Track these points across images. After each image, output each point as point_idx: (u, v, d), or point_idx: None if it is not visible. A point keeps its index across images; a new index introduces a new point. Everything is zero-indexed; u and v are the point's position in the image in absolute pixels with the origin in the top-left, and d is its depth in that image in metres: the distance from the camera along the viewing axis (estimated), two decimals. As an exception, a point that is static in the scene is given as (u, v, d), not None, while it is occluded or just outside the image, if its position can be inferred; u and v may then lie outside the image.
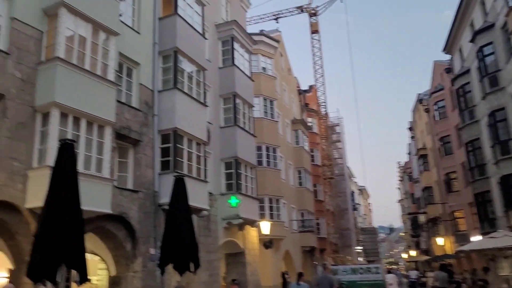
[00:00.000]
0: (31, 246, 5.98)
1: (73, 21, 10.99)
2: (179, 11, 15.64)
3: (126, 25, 13.70)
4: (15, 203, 9.54)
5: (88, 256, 7.43)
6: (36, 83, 10.35)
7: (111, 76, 11.85)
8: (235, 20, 20.62)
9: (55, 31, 10.64)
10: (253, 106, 21.83)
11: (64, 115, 10.34)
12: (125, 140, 13.12)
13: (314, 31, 46.55)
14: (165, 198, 13.17)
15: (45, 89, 10.26)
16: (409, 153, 58.59)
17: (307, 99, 40.46)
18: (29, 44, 10.39)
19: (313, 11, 46.53)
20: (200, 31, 16.88)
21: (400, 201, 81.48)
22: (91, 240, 11.95)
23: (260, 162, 23.33)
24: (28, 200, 9.67)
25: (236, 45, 20.58)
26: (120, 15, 13.01)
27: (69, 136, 10.05)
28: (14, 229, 9.71)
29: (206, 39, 17.69)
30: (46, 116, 10.19)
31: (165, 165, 14.17)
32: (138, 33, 14.33)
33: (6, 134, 9.56)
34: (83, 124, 10.80)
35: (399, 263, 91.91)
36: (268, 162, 24.42)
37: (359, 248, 57.69)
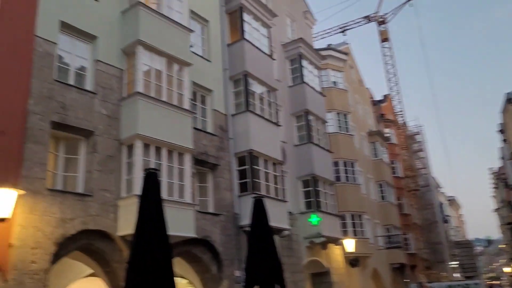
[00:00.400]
0: (125, 272, 6.28)
1: (149, 57, 11.70)
2: (246, 36, 16.03)
3: (197, 54, 14.31)
4: (108, 231, 10.16)
5: (177, 280, 7.66)
6: (120, 118, 11.10)
7: (186, 105, 12.37)
8: (301, 38, 20.68)
9: (133, 68, 11.41)
10: (327, 122, 21.53)
11: (146, 146, 10.93)
12: (203, 165, 13.53)
13: (384, 39, 45.24)
14: (245, 220, 13.29)
15: (128, 122, 10.96)
16: (502, 158, 53.95)
17: (383, 109, 39.12)
18: (112, 83, 11.22)
19: (381, 19, 45.32)
20: (268, 53, 17.13)
21: (496, 210, 74.90)
22: (179, 264, 12.32)
23: (338, 178, 22.78)
24: (120, 229, 10.25)
25: (304, 62, 20.58)
26: (191, 46, 13.61)
27: (152, 165, 10.57)
28: (109, 257, 10.31)
29: (274, 59, 17.90)
30: (130, 148, 10.85)
31: (243, 187, 14.35)
32: (209, 61, 14.88)
33: (97, 168, 10.30)
34: (164, 152, 11.32)
35: (501, 278, 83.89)
36: (347, 177, 23.78)
37: (454, 264, 53.63)
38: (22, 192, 8.39)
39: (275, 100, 16.90)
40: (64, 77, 10.41)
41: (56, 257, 9.12)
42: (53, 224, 9.07)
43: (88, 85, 10.84)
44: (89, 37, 11.13)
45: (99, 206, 10.07)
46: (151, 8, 12.17)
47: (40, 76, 9.63)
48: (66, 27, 10.60)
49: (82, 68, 10.97)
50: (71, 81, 10.55)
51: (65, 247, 9.35)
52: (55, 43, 10.16)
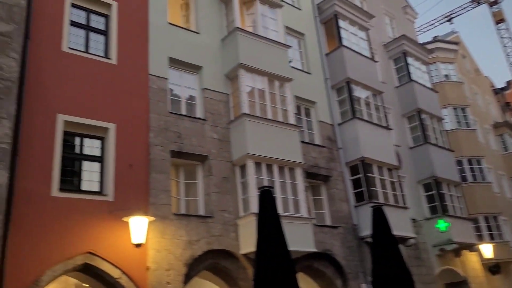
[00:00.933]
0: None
1: (250, 78, 12.07)
2: (344, 42, 15.71)
3: (297, 68, 14.39)
4: (231, 250, 10.51)
5: (302, 296, 7.64)
6: (230, 140, 11.55)
7: (292, 120, 12.44)
8: (403, 35, 19.64)
9: (237, 90, 11.85)
10: (443, 119, 19.96)
11: (258, 164, 11.17)
12: (315, 178, 13.39)
13: (499, 20, 40.99)
14: (366, 231, 12.78)
15: (238, 144, 11.35)
16: None
17: (508, 97, 35.13)
18: (219, 108, 11.77)
19: (492, 0, 41.22)
20: (369, 56, 16.57)
21: None
22: (303, 280, 12.22)
23: (464, 178, 20.83)
24: (242, 247, 10.55)
25: (410, 60, 19.46)
26: (290, 61, 13.75)
27: (265, 183, 10.76)
28: (235, 275, 10.63)
29: (376, 61, 17.25)
30: (243, 168, 11.19)
31: (359, 197, 13.86)
32: (309, 73, 14.86)
33: (214, 190, 10.79)
34: (275, 169, 11.46)
35: None
36: (474, 176, 21.64)
37: None
38: (152, 218, 9.12)
39: (382, 103, 16.19)
40: (176, 108, 11.22)
41: (187, 277, 9.67)
42: (182, 246, 9.66)
43: (199, 112, 11.52)
44: (195, 68, 11.88)
45: (220, 227, 10.49)
46: (248, 31, 12.61)
47: (156, 110, 10.50)
48: (174, 62, 11.47)
49: (192, 98, 11.71)
50: (183, 111, 11.31)
51: (194, 267, 9.88)
52: (166, 79, 11.04)
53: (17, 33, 8.46)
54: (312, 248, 11.27)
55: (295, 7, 15.77)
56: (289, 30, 14.93)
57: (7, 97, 7.96)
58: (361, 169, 13.98)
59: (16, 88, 8.18)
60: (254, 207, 10.16)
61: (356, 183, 14.04)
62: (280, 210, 10.48)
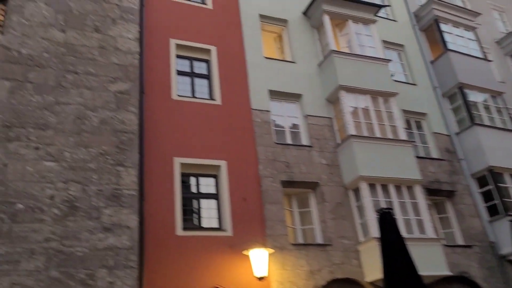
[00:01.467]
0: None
1: (352, 98, 11.77)
2: (450, 46, 14.66)
3: (400, 81, 13.72)
4: (356, 278, 10.01)
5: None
6: (340, 164, 11.24)
7: (402, 135, 11.77)
8: (517, 27, 17.77)
9: (341, 113, 11.61)
10: None
11: (372, 186, 10.67)
12: (437, 194, 12.36)
13: None
14: (507, 248, 11.40)
15: (349, 167, 10.99)
16: None
17: None
18: (324, 132, 11.61)
19: None
20: (480, 56, 15.20)
21: None
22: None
23: None
24: (367, 274, 9.98)
25: (530, 52, 17.43)
26: (392, 75, 13.17)
27: (382, 204, 10.20)
28: (362, 305, 10.07)
29: (490, 61, 15.74)
30: (357, 191, 10.77)
31: (492, 210, 12.39)
32: (414, 84, 14.06)
33: (329, 216, 10.50)
34: (391, 189, 10.83)
35: None
36: None
37: None
38: (271, 250, 9.12)
39: (505, 104, 14.59)
40: (282, 138, 11.31)
41: (313, 308, 9.39)
42: (304, 277, 9.47)
43: (304, 140, 11.47)
44: (294, 97, 11.97)
45: (341, 254, 10.10)
46: (344, 52, 12.45)
47: (262, 143, 10.70)
48: (274, 94, 11.68)
49: (295, 126, 11.75)
50: (289, 140, 11.36)
51: (319, 298, 9.59)
52: (268, 111, 11.27)
53: (133, 89, 9.34)
54: (446, 271, 10.27)
55: (390, 20, 15.24)
56: (387, 44, 14.39)
57: (131, 148, 8.74)
58: (490, 179, 12.58)
59: (137, 138, 8.96)
60: (375, 231, 9.65)
61: (487, 196, 12.63)
62: (403, 232, 9.81)
